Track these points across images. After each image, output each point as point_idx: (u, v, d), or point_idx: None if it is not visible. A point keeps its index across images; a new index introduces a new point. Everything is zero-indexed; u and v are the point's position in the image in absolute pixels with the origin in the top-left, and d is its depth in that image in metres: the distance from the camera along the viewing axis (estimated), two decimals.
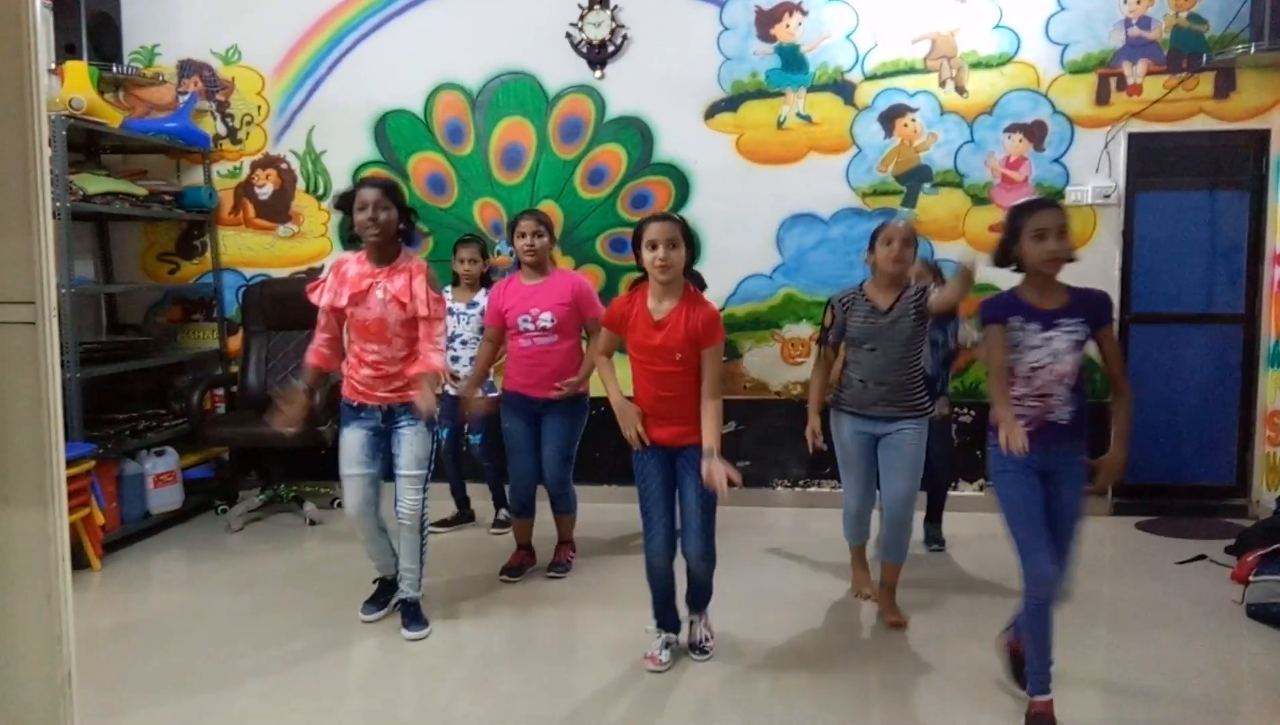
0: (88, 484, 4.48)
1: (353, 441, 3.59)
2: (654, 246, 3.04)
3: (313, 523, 5.23)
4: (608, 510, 5.06)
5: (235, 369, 5.65)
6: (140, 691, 3.22)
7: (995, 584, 4.12)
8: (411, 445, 3.55)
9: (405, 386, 3.51)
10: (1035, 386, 2.75)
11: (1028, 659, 2.83)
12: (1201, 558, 4.40)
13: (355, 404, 3.58)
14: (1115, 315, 4.59)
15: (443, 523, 5.02)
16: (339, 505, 5.51)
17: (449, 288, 4.76)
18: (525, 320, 4.05)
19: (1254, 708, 3.19)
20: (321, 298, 3.59)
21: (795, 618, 3.81)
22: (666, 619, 3.42)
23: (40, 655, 1.84)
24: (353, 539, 4.94)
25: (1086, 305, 2.80)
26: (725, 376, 5.48)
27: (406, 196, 3.61)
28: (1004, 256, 2.83)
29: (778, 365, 5.47)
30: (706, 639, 3.46)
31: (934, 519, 4.72)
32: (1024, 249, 2.74)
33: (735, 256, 5.40)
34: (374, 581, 3.90)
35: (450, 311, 4.61)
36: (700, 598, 3.45)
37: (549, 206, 5.49)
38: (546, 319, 4.04)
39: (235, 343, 5.73)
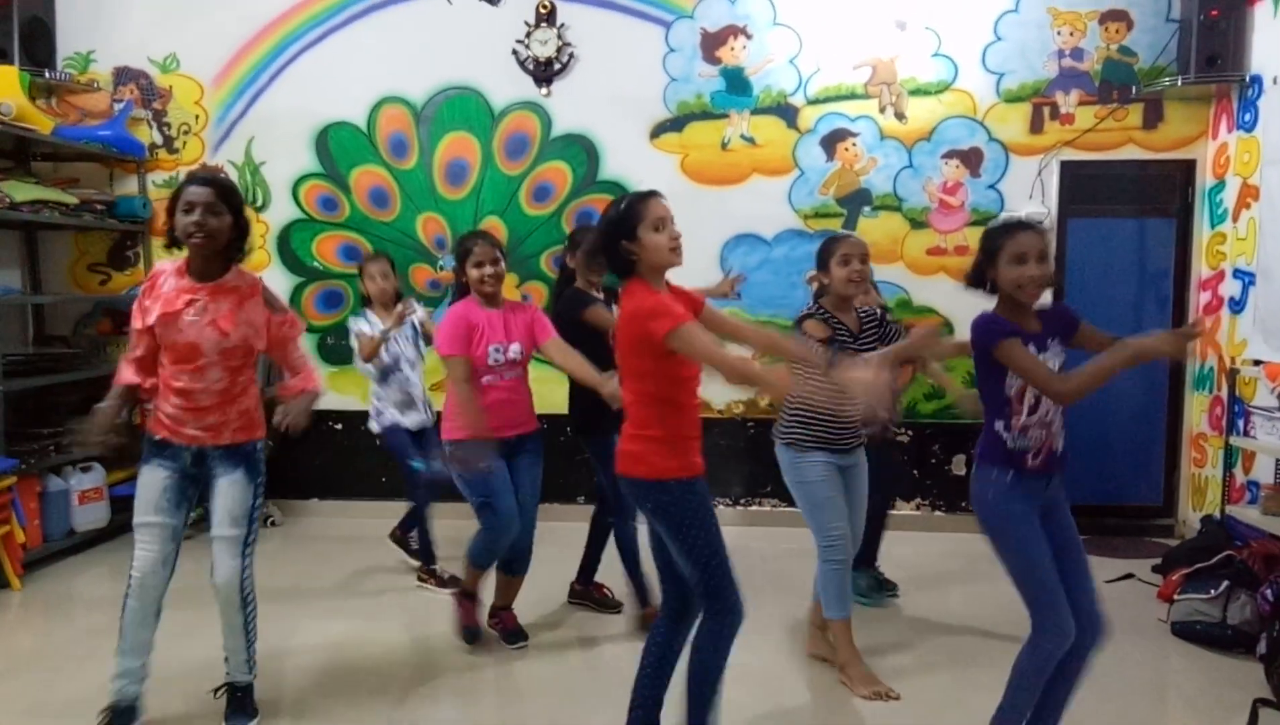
0: (8, 501, 4.36)
1: (152, 483, 2.92)
2: (662, 226, 2.56)
3: None
4: None
5: None
6: (57, 717, 3.11)
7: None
8: (226, 499, 2.94)
9: (221, 427, 2.92)
10: (1040, 414, 2.57)
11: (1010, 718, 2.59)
12: (1129, 576, 4.50)
13: (159, 439, 2.93)
14: None
15: (438, 580, 4.42)
16: (272, 523, 5.41)
17: (364, 311, 4.44)
18: (497, 351, 3.58)
19: (1174, 723, 3.26)
20: (134, 321, 2.95)
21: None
22: None
23: None
24: (281, 557, 4.86)
25: (1056, 322, 2.66)
26: None
27: (244, 204, 2.97)
28: (978, 278, 2.64)
29: (719, 384, 5.49)
30: None
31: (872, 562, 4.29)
32: (1000, 272, 2.56)
33: (678, 276, 5.22)
34: (102, 711, 2.96)
35: (387, 337, 4.29)
36: None
37: (493, 222, 5.47)
38: (516, 351, 3.61)
39: None
